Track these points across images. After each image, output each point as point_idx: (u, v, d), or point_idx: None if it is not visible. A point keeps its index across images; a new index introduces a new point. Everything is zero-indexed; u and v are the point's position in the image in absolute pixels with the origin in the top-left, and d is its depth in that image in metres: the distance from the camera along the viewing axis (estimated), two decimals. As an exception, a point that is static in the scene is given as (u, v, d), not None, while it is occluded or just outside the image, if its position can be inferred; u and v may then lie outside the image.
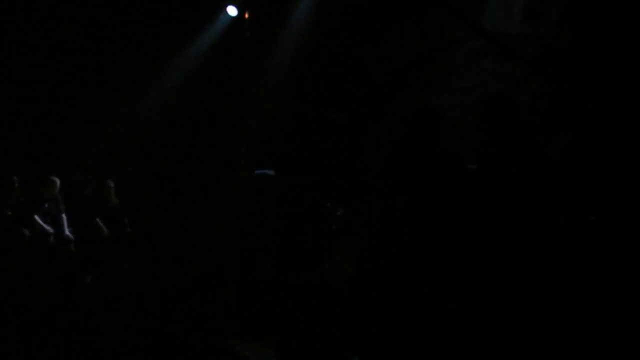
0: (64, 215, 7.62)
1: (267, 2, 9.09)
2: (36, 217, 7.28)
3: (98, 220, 7.82)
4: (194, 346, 4.51)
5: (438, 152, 3.83)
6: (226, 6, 8.75)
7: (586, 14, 6.33)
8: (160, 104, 9.48)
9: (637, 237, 4.34)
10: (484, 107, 3.70)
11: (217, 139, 9.43)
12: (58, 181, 7.68)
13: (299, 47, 8.90)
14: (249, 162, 9.01)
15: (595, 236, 4.60)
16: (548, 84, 6.78)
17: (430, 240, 3.56)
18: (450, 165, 3.75)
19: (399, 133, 6.49)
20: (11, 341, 4.44)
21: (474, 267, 3.44)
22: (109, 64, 9.00)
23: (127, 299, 6.08)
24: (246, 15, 8.95)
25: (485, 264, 3.42)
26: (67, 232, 7.56)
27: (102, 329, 4.95)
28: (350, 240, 6.56)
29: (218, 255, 7.07)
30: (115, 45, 9.06)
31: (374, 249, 4.00)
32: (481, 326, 3.38)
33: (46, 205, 7.46)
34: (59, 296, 6.25)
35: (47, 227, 7.29)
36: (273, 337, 4.55)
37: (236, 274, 6.34)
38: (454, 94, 7.52)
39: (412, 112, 4.01)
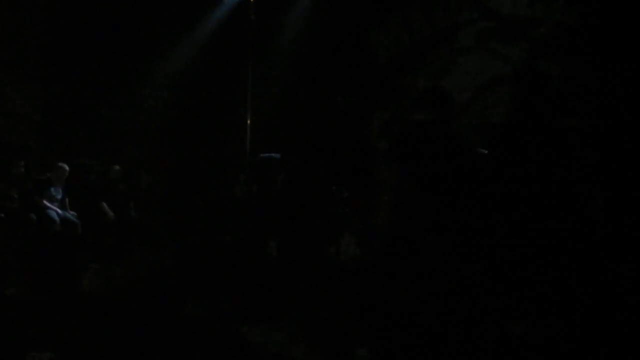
0: (66, 199, 7.67)
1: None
2: (45, 201, 7.32)
3: (104, 204, 7.85)
4: (201, 331, 4.51)
5: (446, 135, 3.80)
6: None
7: (595, -6, 6.27)
8: (165, 88, 9.46)
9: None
10: (516, 79, 3.62)
11: (222, 123, 9.41)
12: (67, 168, 7.71)
13: (305, 30, 8.85)
14: (255, 145, 9.02)
15: (603, 220, 4.57)
16: (556, 66, 6.73)
17: (440, 225, 3.54)
18: (459, 148, 3.72)
19: (407, 116, 6.46)
20: (15, 325, 4.44)
21: (486, 251, 3.42)
22: (114, 48, 8.96)
23: (132, 282, 6.09)
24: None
25: (497, 248, 3.40)
26: (71, 212, 7.60)
27: (107, 311, 4.96)
28: (357, 223, 6.56)
29: (224, 239, 7.08)
30: (119, 29, 9.01)
31: (383, 233, 3.98)
32: (498, 312, 3.36)
33: (52, 190, 7.49)
34: (65, 280, 6.27)
35: (53, 211, 7.31)
36: (283, 322, 4.55)
37: (243, 258, 6.35)
38: (461, 76, 7.47)
39: (420, 94, 3.97)
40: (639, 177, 4.92)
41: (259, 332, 4.39)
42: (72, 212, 7.64)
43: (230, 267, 6.11)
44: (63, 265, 6.51)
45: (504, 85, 6.93)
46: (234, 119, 9.40)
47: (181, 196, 8.84)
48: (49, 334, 4.22)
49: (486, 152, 3.76)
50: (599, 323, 3.49)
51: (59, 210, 7.41)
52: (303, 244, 6.02)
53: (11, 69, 8.40)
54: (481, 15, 7.43)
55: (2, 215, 6.94)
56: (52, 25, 8.81)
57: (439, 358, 3.34)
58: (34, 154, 8.42)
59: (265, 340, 4.24)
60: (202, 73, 9.32)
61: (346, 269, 5.79)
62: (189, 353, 3.98)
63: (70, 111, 8.85)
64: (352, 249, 6.23)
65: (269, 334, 4.35)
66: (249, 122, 9.34)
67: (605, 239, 4.18)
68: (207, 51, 9.33)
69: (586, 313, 3.51)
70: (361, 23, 8.26)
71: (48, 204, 7.34)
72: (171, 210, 8.73)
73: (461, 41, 7.64)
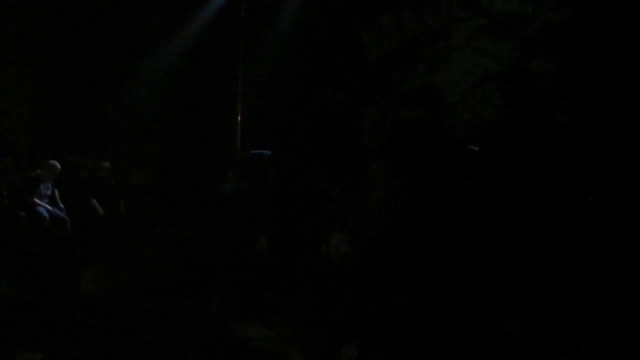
0: (56, 191, 7.62)
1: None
2: (35, 199, 7.27)
3: (94, 201, 7.82)
4: (191, 329, 4.49)
5: (437, 133, 3.79)
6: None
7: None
8: (155, 84, 9.42)
9: (636, 219, 4.33)
10: (507, 77, 3.60)
11: (212, 119, 9.39)
12: (58, 166, 7.64)
13: (295, 27, 8.83)
14: (245, 142, 9.00)
15: (593, 217, 4.59)
16: (547, 64, 6.75)
17: (433, 223, 3.53)
18: (450, 146, 3.71)
19: (398, 114, 6.45)
20: (6, 324, 4.41)
21: (479, 250, 3.41)
22: (103, 45, 8.91)
23: (122, 281, 6.06)
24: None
25: (488, 246, 3.40)
26: (61, 205, 7.55)
27: (97, 309, 4.94)
28: (347, 221, 6.56)
29: (214, 237, 7.06)
30: (109, 26, 8.96)
31: (374, 232, 3.96)
32: (490, 310, 3.36)
33: (41, 186, 7.44)
34: (55, 278, 6.23)
35: (43, 209, 7.26)
36: (273, 320, 4.54)
37: (233, 256, 6.33)
38: (452, 74, 7.48)
39: (411, 92, 3.94)
40: (631, 174, 4.94)
41: (250, 330, 4.38)
42: (61, 206, 7.59)
43: (220, 265, 6.09)
44: (53, 262, 6.48)
45: (495, 83, 6.95)
46: (224, 116, 9.38)
47: (171, 193, 8.81)
48: (40, 333, 4.20)
49: (477, 149, 3.75)
50: (591, 321, 3.50)
51: (49, 207, 7.36)
52: (293, 241, 6.01)
53: (0, 67, 8.34)
54: (472, 13, 7.43)
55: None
56: (42, 23, 8.75)
57: (428, 356, 3.34)
58: (24, 151, 8.36)
59: (256, 338, 4.23)
60: (192, 70, 9.30)
61: (337, 267, 5.78)
62: (180, 351, 3.97)
63: (60, 108, 8.80)
64: (342, 247, 6.22)
65: (259, 332, 4.35)
66: (239, 118, 9.32)
67: (596, 236, 4.19)
68: (197, 48, 9.31)
69: (579, 311, 3.52)
70: (352, 21, 8.26)
71: (38, 202, 7.29)
72: (161, 207, 8.70)
73: (452, 39, 7.65)
